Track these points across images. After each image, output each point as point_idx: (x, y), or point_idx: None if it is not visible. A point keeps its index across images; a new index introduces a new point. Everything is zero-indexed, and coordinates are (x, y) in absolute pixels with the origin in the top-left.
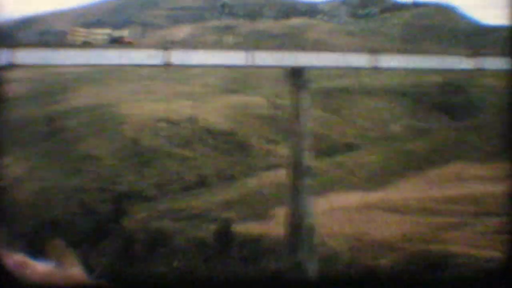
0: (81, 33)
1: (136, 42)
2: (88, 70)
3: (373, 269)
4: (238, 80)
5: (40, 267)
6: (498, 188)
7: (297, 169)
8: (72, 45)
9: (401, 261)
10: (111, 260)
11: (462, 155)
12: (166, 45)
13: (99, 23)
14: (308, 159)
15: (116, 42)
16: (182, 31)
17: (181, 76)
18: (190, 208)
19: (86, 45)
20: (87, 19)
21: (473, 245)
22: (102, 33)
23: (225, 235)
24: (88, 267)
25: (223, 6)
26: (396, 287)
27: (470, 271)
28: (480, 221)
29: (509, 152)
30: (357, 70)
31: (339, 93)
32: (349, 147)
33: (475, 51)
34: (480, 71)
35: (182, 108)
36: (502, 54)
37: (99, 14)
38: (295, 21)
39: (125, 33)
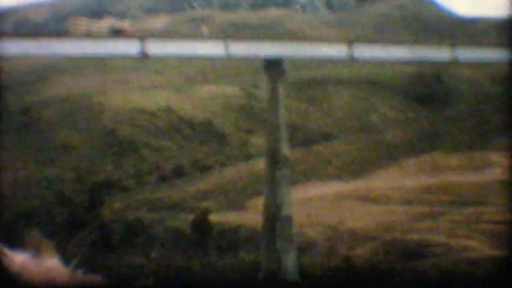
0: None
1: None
2: (64, 60)
3: (351, 258)
4: (215, 70)
5: (17, 257)
6: (474, 178)
7: (274, 159)
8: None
9: (378, 251)
10: (88, 251)
11: (439, 145)
12: (142, 36)
13: (75, 14)
14: (285, 149)
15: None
16: (158, 22)
17: (157, 66)
18: (167, 198)
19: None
20: (63, 9)
21: (450, 234)
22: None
23: (202, 225)
24: (65, 258)
25: None
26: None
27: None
28: (457, 210)
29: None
30: (333, 60)
31: (316, 83)
32: (326, 137)
33: (451, 42)
34: (457, 62)
35: (159, 99)
36: (479, 45)
37: (75, 5)
38: (272, 12)
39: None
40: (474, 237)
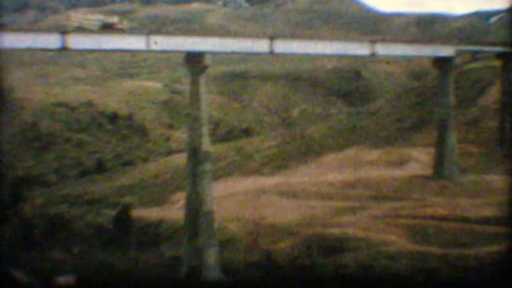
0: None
1: (126, 27)
2: None
3: (272, 253)
4: (136, 64)
5: None
6: (394, 173)
7: (196, 154)
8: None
9: (299, 245)
10: (9, 246)
11: (359, 140)
12: (63, 29)
13: None
14: (207, 144)
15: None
16: (78, 15)
17: (78, 60)
18: (89, 194)
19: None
20: None
21: (370, 229)
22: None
23: (124, 221)
24: None
25: None
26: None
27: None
28: (376, 205)
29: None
30: (254, 55)
31: (238, 78)
32: (248, 132)
33: (371, 37)
34: (376, 57)
35: (80, 93)
36: (398, 40)
37: None
38: (193, 6)
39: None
40: (393, 232)
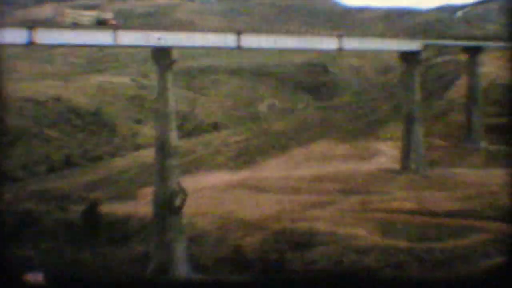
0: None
1: (119, 24)
2: None
3: (240, 248)
4: (103, 59)
5: None
6: (361, 167)
7: (164, 149)
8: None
9: (268, 240)
10: None
11: (327, 134)
12: (30, 24)
13: None
14: (175, 139)
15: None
16: (45, 10)
17: (46, 55)
18: (57, 189)
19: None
20: None
21: (338, 223)
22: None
23: (92, 216)
24: None
25: None
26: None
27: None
28: (344, 199)
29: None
30: (222, 50)
31: (205, 73)
32: (215, 127)
33: (338, 32)
34: (343, 51)
35: (48, 88)
36: (365, 35)
37: None
38: (161, 1)
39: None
40: (361, 226)
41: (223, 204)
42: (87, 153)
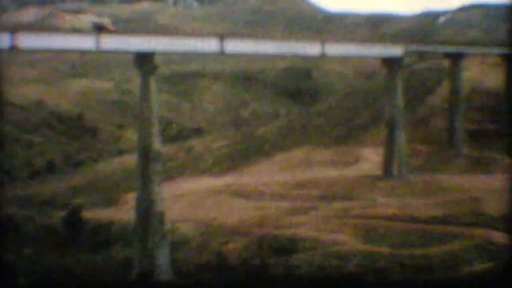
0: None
1: (116, 29)
2: None
3: (223, 254)
4: (86, 64)
5: None
6: (344, 172)
7: (146, 155)
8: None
9: (250, 246)
10: None
11: (309, 140)
12: (13, 28)
13: None
14: (157, 145)
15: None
16: (29, 14)
17: (29, 60)
18: (39, 194)
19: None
20: None
21: (321, 229)
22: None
23: (74, 222)
24: None
25: None
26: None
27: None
28: (327, 205)
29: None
30: (204, 55)
31: (188, 78)
32: (198, 132)
33: (321, 37)
34: (325, 57)
35: (30, 93)
36: (348, 40)
37: None
38: (143, 5)
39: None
40: (343, 232)
41: (205, 209)
42: (70, 158)
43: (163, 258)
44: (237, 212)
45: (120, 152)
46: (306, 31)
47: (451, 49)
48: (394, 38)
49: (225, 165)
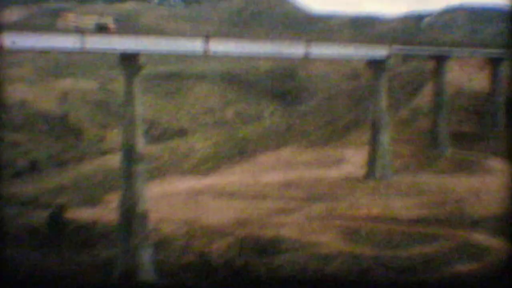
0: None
1: (117, 28)
2: None
3: (206, 254)
4: (70, 64)
5: None
6: (327, 173)
7: (130, 155)
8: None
9: (234, 246)
10: None
11: (293, 140)
12: None
13: None
14: (141, 145)
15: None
16: (13, 14)
17: (13, 59)
18: (22, 194)
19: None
20: None
21: (304, 229)
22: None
23: (58, 222)
24: None
25: None
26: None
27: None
28: (310, 206)
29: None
30: (190, 55)
31: (172, 78)
32: (182, 133)
33: (305, 38)
34: (310, 58)
35: (14, 92)
36: (333, 41)
37: None
38: (127, 5)
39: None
40: (326, 233)
41: (188, 210)
42: (53, 158)
43: (146, 258)
44: (220, 213)
45: (104, 152)
46: (290, 32)
47: (435, 50)
48: (378, 40)
49: (209, 165)
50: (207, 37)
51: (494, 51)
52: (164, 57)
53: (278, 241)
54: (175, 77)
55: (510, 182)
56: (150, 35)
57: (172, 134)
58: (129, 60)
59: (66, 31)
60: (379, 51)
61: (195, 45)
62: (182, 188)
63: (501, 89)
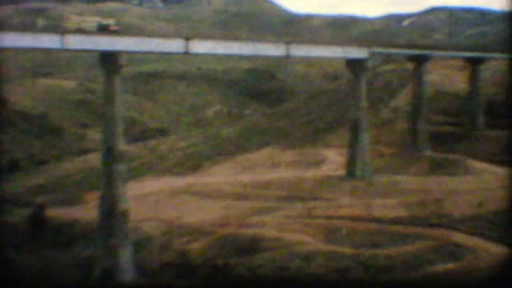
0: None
1: (119, 29)
2: None
3: (186, 253)
4: (50, 63)
5: None
6: (307, 173)
7: (110, 154)
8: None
9: (213, 245)
10: None
11: (273, 140)
12: None
13: None
14: (121, 144)
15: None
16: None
17: None
18: (1, 193)
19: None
20: None
21: (284, 229)
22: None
23: (38, 220)
24: None
25: None
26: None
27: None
28: (290, 205)
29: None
30: (170, 55)
31: (152, 78)
32: (162, 132)
33: (286, 39)
34: (290, 58)
35: None
36: (313, 42)
37: None
38: (109, 5)
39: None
40: (306, 232)
41: (168, 209)
42: (33, 157)
43: (126, 257)
44: (200, 212)
45: (84, 151)
46: (271, 32)
47: (415, 51)
48: (359, 40)
49: (189, 165)
50: (187, 37)
51: (474, 53)
52: (145, 57)
53: (258, 240)
54: (156, 76)
55: (490, 183)
56: (131, 35)
57: (152, 133)
58: (109, 60)
59: (46, 30)
60: (359, 52)
61: (176, 45)
62: (162, 187)
63: (480, 90)
